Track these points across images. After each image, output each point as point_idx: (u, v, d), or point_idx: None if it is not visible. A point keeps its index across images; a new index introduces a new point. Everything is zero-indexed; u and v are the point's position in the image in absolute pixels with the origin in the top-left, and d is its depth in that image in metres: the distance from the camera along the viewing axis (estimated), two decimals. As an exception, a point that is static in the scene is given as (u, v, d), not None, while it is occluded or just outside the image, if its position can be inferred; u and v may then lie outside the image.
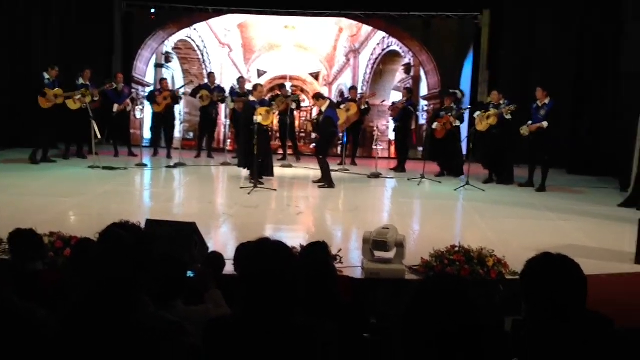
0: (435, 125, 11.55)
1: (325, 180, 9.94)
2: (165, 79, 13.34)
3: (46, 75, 11.11)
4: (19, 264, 3.85)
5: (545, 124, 9.93)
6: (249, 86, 12.52)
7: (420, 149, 13.20)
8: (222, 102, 13.00)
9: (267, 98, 11.96)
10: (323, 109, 10.12)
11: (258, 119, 9.61)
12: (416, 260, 5.71)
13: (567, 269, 2.19)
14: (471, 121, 11.19)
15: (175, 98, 12.70)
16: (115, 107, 12.20)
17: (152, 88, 13.74)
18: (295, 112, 13.09)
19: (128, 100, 12.42)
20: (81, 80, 11.70)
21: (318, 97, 10.37)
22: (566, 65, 12.37)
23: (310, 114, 13.65)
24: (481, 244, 5.73)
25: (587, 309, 2.20)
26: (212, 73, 13.61)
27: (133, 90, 13.31)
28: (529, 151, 10.36)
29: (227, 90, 13.01)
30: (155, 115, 12.76)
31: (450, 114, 11.31)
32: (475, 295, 2.14)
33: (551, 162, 10.26)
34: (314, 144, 11.17)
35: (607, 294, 4.87)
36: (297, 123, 13.62)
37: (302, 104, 13.62)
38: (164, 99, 12.48)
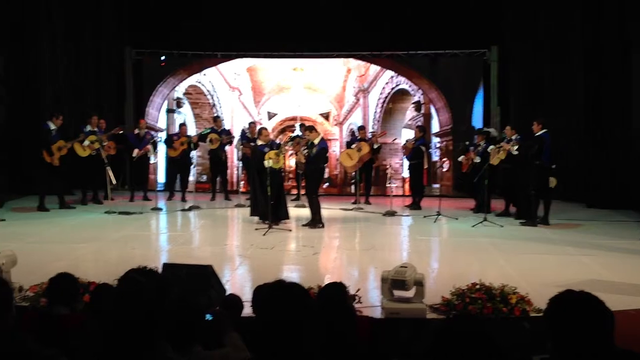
0: (460, 158, 11.74)
1: (313, 220, 9.86)
2: (185, 125, 13.53)
3: (51, 125, 11.09)
4: (49, 308, 3.83)
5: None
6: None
7: (436, 185, 13.13)
8: (230, 144, 13.19)
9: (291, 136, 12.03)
10: (316, 141, 10.08)
11: (269, 162, 9.58)
12: (436, 298, 5.61)
13: (591, 305, 2.16)
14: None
15: (192, 144, 12.82)
16: (135, 152, 12.35)
17: (164, 133, 13.89)
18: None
19: (149, 146, 12.56)
20: (89, 127, 11.85)
21: (312, 129, 10.35)
22: (575, 96, 12.21)
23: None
24: (502, 281, 5.62)
25: (616, 345, 2.15)
26: (219, 117, 13.83)
27: (154, 135, 13.46)
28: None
29: (239, 133, 13.11)
30: (170, 160, 12.86)
31: (475, 151, 11.36)
32: (499, 336, 2.09)
33: (539, 195, 9.89)
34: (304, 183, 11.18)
35: (637, 329, 4.74)
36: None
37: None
38: (180, 144, 12.64)
